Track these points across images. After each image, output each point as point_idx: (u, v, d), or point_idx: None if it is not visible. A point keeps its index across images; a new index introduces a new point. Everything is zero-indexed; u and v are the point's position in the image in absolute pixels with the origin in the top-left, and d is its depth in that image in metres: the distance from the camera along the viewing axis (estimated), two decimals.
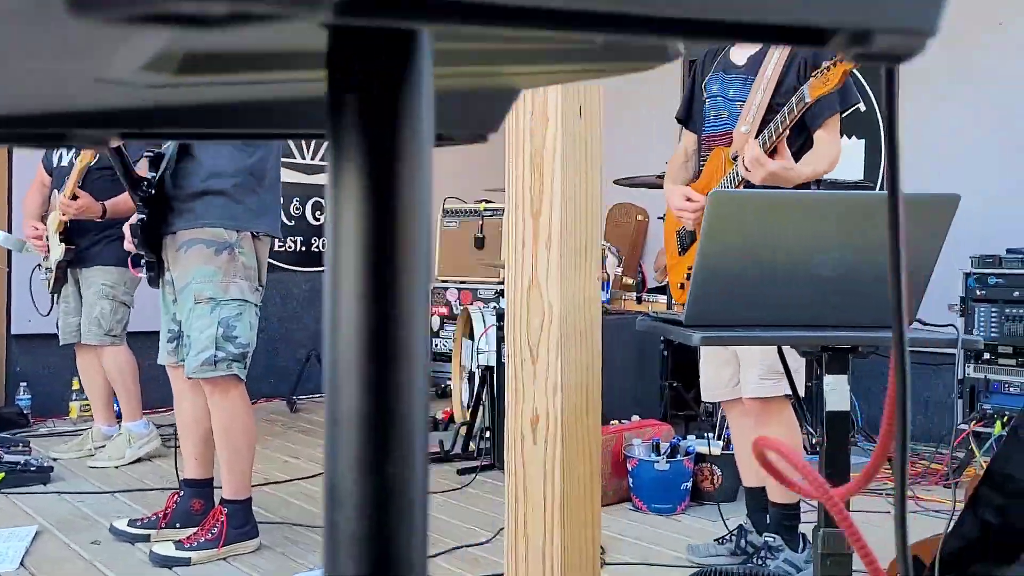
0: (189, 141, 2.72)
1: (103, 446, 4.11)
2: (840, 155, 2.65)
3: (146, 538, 2.96)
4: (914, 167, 4.59)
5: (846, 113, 2.73)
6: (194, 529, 2.84)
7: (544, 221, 1.65)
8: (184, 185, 2.73)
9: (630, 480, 3.53)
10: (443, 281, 5.82)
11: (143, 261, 2.86)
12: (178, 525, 2.98)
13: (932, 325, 1.65)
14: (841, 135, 2.69)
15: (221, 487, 2.87)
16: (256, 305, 2.81)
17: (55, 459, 4.03)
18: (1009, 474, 1.84)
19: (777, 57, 2.59)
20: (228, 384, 2.76)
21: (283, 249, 5.80)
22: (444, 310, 5.77)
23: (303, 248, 5.89)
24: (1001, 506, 1.85)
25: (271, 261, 5.61)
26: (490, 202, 5.76)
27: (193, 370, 2.71)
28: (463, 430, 4.27)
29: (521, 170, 1.66)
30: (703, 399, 3.32)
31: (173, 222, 2.75)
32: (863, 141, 5.01)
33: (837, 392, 1.62)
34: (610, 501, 3.56)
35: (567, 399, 1.63)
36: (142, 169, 2.82)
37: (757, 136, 2.56)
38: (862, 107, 4.68)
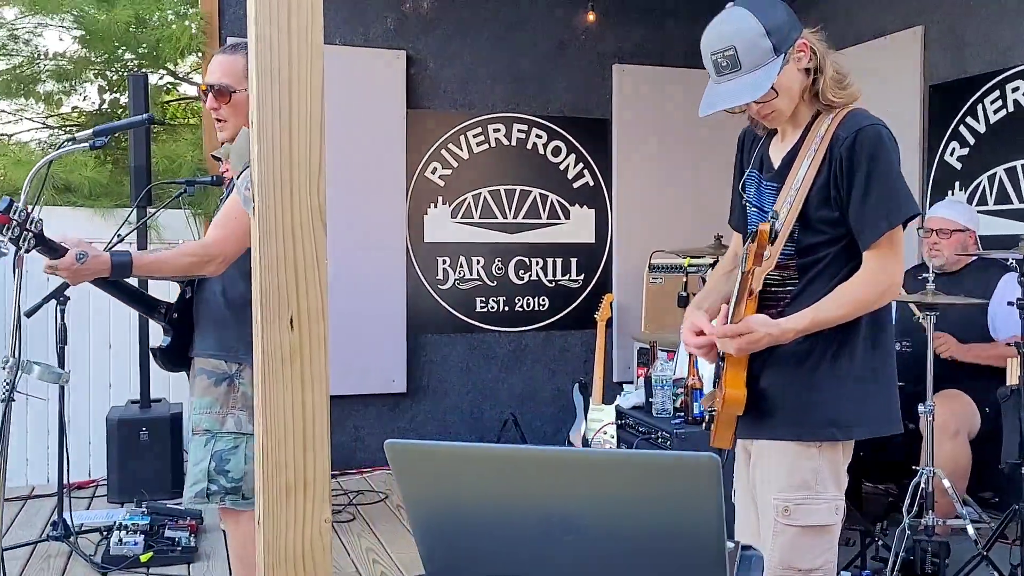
0: None
1: None
2: (888, 286, 1.94)
3: None
4: None
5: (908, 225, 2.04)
6: None
7: None
8: (199, 311, 2.76)
9: None
10: (651, 343, 5.42)
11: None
12: None
13: None
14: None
15: None
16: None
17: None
18: None
19: (807, 165, 1.97)
20: (236, 513, 2.74)
21: (485, 310, 5.76)
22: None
23: (506, 308, 5.80)
24: None
25: (474, 323, 5.69)
26: (697, 257, 5.27)
27: (188, 500, 2.73)
28: None
29: None
30: None
31: (191, 347, 2.79)
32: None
33: None
34: None
35: None
36: None
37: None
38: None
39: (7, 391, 2.68)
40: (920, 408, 3.45)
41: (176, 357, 2.80)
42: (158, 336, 2.79)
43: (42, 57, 5.65)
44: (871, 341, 2.00)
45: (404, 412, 5.64)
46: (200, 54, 5.23)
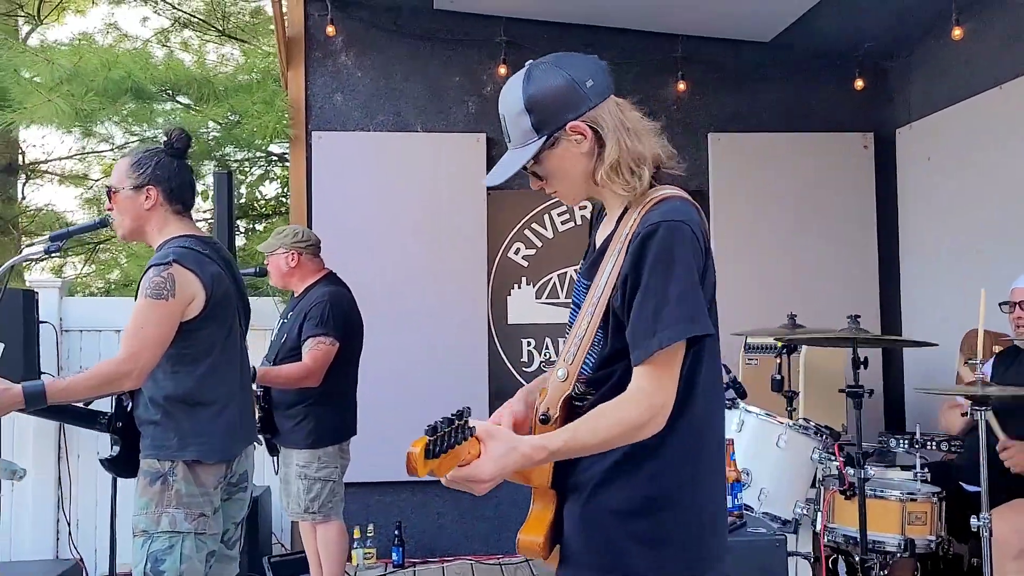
0: None
1: None
2: (657, 412, 1.60)
3: None
4: None
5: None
6: None
7: None
8: (137, 416, 2.77)
9: None
10: None
11: None
12: None
13: None
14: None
15: None
16: (197, 533, 2.70)
17: None
18: None
19: (612, 265, 1.68)
20: None
21: None
22: None
23: None
24: None
25: None
26: (799, 326, 4.73)
27: None
28: None
29: None
30: None
31: (141, 451, 2.79)
32: None
33: None
34: None
35: None
36: None
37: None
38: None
39: None
40: (973, 522, 2.92)
41: (128, 465, 2.80)
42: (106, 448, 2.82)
43: None
44: (670, 465, 1.67)
45: (488, 498, 5.45)
46: (288, 139, 5.47)
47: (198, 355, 2.72)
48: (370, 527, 5.26)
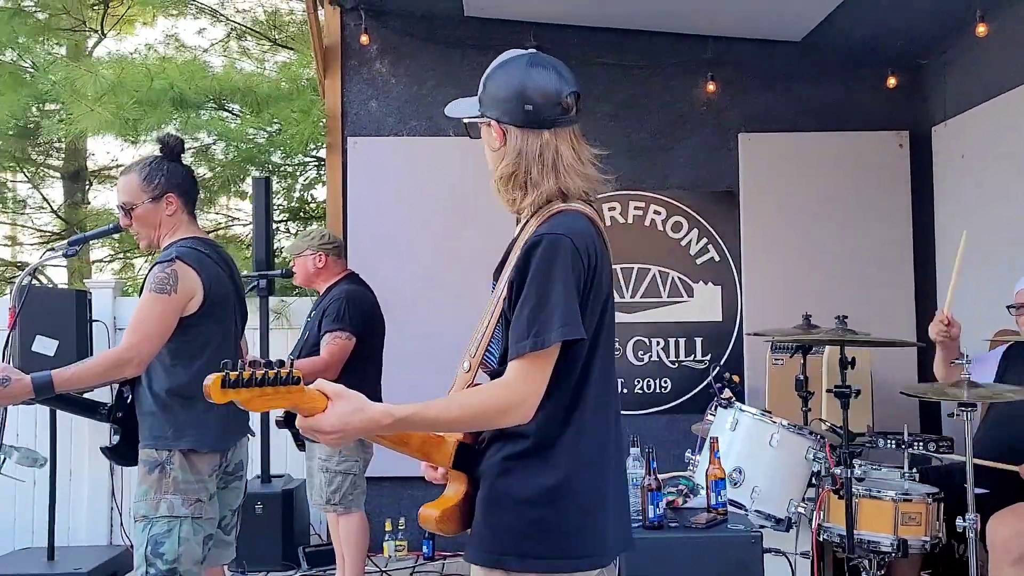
0: None
1: None
2: (517, 404, 1.68)
3: None
4: None
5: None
6: None
7: None
8: (136, 407, 2.96)
9: None
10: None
11: None
12: None
13: None
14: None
15: None
16: (194, 518, 2.87)
17: None
18: None
19: (509, 270, 1.81)
20: None
21: None
22: None
23: (624, 390, 5.61)
24: None
25: None
26: (814, 326, 4.73)
27: None
28: None
29: None
30: None
31: (140, 441, 2.98)
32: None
33: None
34: None
35: None
36: None
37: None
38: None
39: None
40: (959, 523, 2.91)
41: (128, 454, 2.97)
42: (107, 436, 3.01)
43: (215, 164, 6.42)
44: (565, 459, 1.76)
45: None
46: (323, 145, 5.67)
47: (195, 351, 2.90)
48: (401, 520, 5.42)
